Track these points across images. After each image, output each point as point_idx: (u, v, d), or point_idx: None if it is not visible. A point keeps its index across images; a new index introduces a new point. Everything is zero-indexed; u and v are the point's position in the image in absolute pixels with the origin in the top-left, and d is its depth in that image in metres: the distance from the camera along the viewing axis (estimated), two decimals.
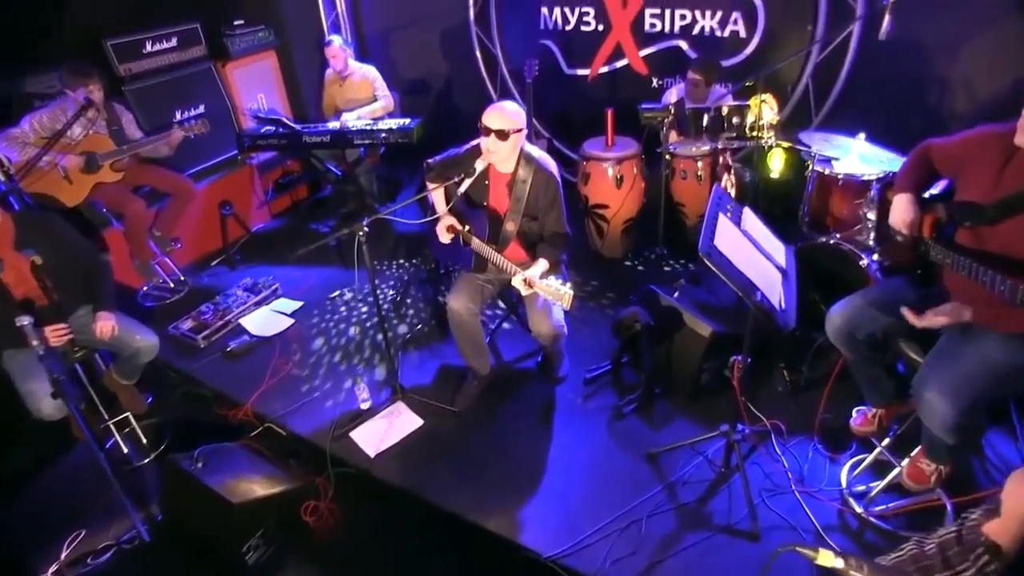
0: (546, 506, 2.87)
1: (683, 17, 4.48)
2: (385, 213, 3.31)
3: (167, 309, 4.50)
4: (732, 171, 4.25)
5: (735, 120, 3.75)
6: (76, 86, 3.88)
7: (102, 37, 4.47)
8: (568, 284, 2.79)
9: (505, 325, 4.03)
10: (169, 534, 3.05)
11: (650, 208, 4.45)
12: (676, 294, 3.50)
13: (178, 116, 4.72)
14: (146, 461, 3.48)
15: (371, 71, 5.18)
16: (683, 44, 4.56)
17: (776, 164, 4.36)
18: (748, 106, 3.73)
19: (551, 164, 3.17)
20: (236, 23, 5.19)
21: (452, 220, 3.21)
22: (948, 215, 2.18)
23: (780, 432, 3.04)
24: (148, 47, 4.68)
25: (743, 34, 4.33)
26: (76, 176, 4.04)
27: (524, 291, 2.92)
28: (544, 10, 4.97)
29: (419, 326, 4.16)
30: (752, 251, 2.33)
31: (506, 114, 2.97)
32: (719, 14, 4.35)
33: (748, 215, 2.50)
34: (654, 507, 2.78)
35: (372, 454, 3.25)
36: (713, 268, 2.05)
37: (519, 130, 3.00)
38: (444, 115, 5.86)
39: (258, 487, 3.05)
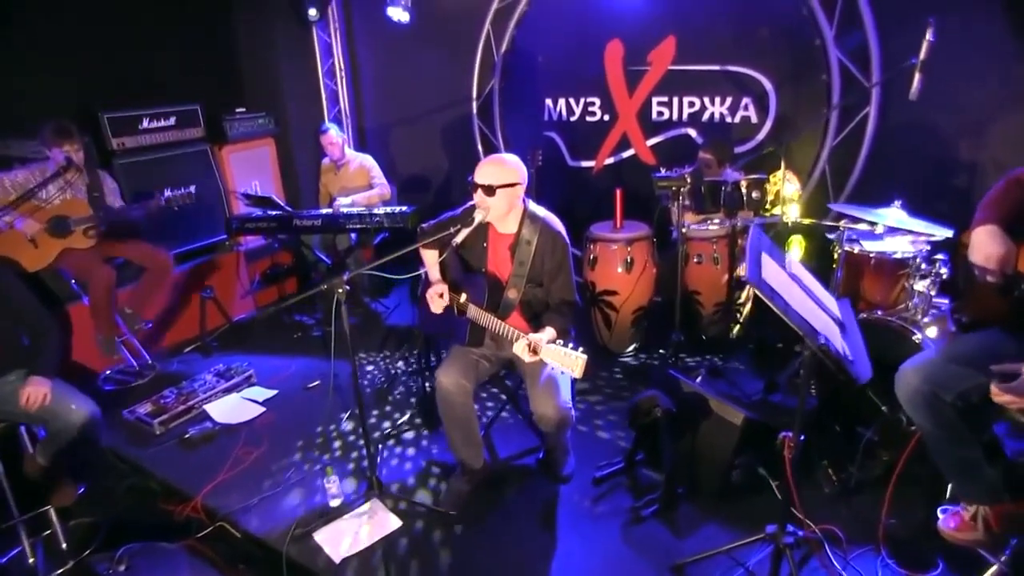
0: None
1: (691, 104, 4.34)
2: (368, 269, 2.91)
3: (128, 394, 3.99)
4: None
5: (754, 195, 3.47)
6: (54, 145, 3.65)
7: (99, 109, 4.33)
8: (580, 349, 2.36)
9: (503, 415, 3.52)
10: None
11: (661, 301, 4.09)
12: (699, 379, 3.05)
13: (167, 194, 4.45)
14: (59, 572, 2.80)
15: (367, 159, 5.02)
16: (692, 132, 4.40)
17: (795, 254, 4.04)
18: (767, 179, 3.46)
19: (558, 223, 2.83)
20: (238, 110, 5.10)
21: (444, 287, 2.83)
22: None
23: (836, 541, 2.46)
24: (145, 123, 4.54)
25: (755, 120, 4.17)
26: (42, 239, 3.71)
27: (528, 358, 2.48)
28: (548, 101, 4.88)
29: (404, 418, 3.64)
30: (803, 297, 1.91)
31: (499, 167, 2.67)
32: (729, 100, 4.21)
33: (793, 261, 2.11)
34: None
35: (337, 559, 2.64)
36: (766, 300, 1.63)
37: (511, 185, 2.66)
38: (442, 209, 5.62)
39: None
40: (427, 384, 3.76)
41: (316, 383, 4.03)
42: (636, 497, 2.88)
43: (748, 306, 3.95)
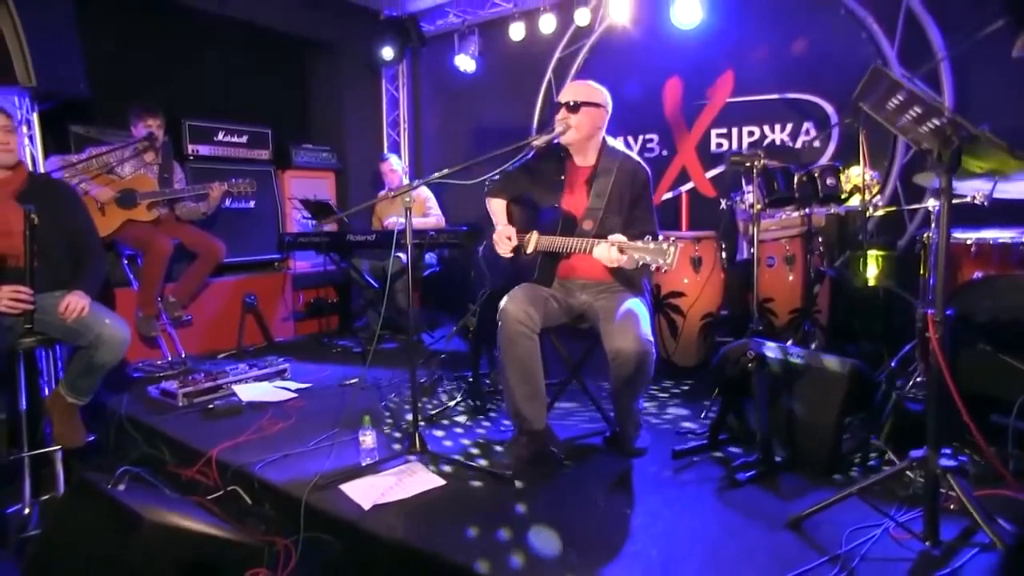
0: None
1: (751, 134, 4.16)
2: (441, 176, 2.62)
3: (156, 381, 3.53)
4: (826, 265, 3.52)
5: (829, 181, 3.14)
6: (139, 120, 3.68)
7: (181, 116, 4.37)
8: (673, 238, 1.99)
9: (558, 407, 2.98)
10: None
11: (731, 314, 3.66)
12: (790, 342, 2.56)
13: (227, 203, 4.30)
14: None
15: (424, 189, 4.85)
16: None
17: (871, 271, 3.61)
18: (841, 167, 3.17)
19: (639, 159, 2.59)
20: (304, 145, 5.12)
21: (512, 230, 2.59)
22: None
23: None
24: (220, 136, 4.56)
25: (817, 143, 3.95)
26: (110, 208, 3.61)
27: (613, 258, 2.12)
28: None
29: (452, 402, 3.12)
30: None
31: (584, 86, 2.52)
32: (789, 126, 4.02)
33: None
34: None
35: (367, 506, 2.07)
36: None
37: (595, 105, 2.48)
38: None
39: (189, 522, 1.88)
40: (479, 378, 3.28)
41: (355, 380, 3.56)
42: (726, 468, 2.30)
43: (825, 312, 3.48)
